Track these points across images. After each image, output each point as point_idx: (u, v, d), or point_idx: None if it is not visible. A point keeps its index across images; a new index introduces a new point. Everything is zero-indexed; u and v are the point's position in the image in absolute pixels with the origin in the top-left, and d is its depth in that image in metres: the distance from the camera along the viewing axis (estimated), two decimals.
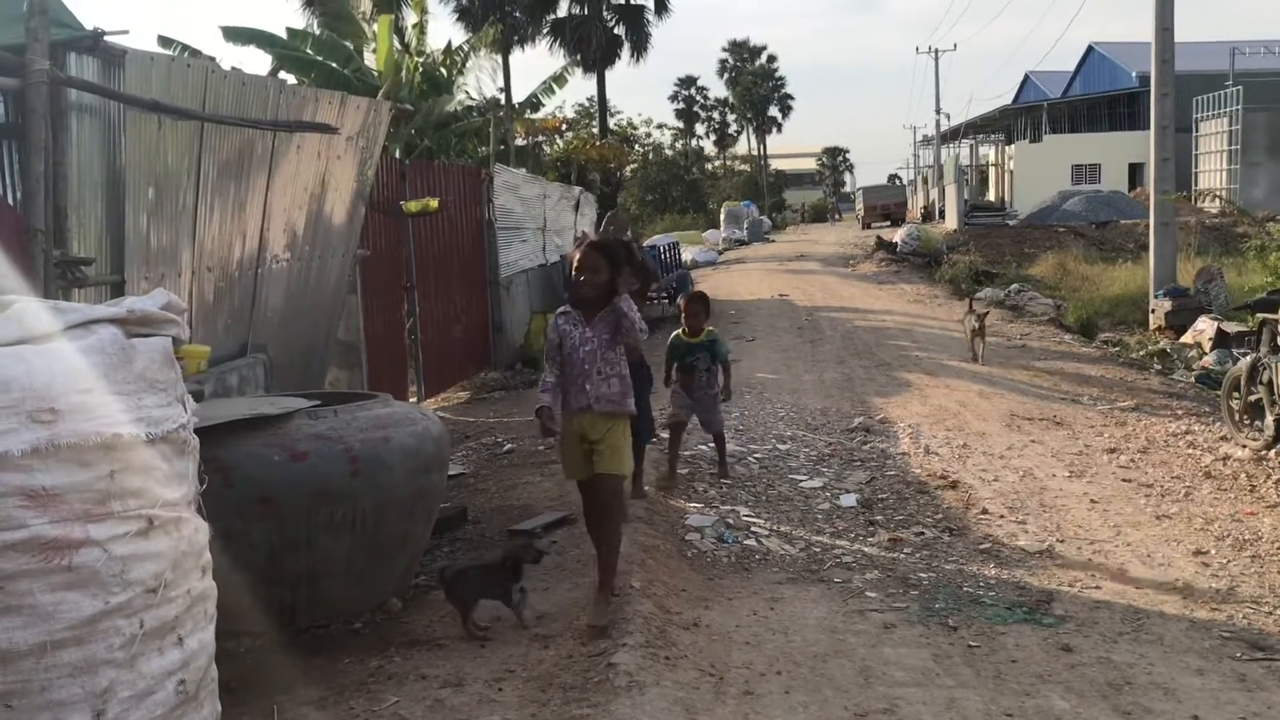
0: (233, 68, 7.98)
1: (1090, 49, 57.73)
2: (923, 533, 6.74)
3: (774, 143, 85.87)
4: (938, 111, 59.94)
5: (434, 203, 10.01)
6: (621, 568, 5.62)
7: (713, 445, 8.37)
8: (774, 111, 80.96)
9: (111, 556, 2.80)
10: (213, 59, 7.04)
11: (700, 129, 79.85)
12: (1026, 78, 65.92)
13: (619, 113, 51.27)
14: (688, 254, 27.12)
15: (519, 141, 20.48)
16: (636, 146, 52.86)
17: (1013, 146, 53.98)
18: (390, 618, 5.21)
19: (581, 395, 5.11)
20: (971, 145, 62.73)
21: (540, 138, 23.51)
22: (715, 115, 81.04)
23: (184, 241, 6.34)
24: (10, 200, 5.29)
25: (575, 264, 5.15)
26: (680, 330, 8.02)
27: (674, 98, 78.37)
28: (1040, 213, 36.74)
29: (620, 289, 5.07)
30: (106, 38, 5.42)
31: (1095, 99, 53.76)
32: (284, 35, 17.63)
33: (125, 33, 5.49)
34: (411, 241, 11.16)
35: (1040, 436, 9.19)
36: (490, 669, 4.51)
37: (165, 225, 6.14)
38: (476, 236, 13.77)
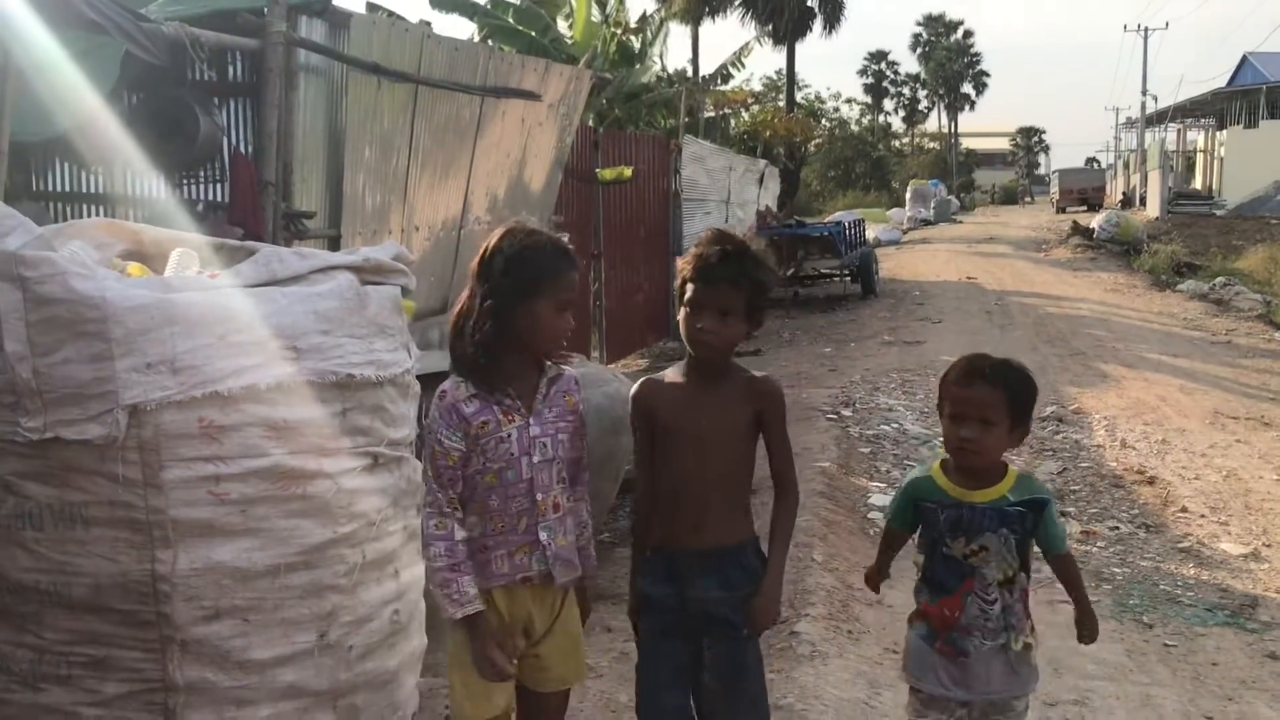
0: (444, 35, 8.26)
1: None
2: (1117, 527, 6.50)
3: (966, 121, 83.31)
4: (1144, 93, 56.88)
5: (628, 171, 10.15)
6: (802, 540, 5.64)
7: (895, 424, 8.24)
8: (967, 88, 78.52)
9: (340, 489, 2.97)
10: (427, 24, 7.29)
11: (889, 105, 78.18)
12: (1245, 59, 61.75)
13: (806, 86, 50.52)
14: (871, 232, 26.66)
15: (707, 114, 20.51)
16: (823, 121, 52.12)
17: (1225, 132, 50.78)
18: None
19: (523, 554, 2.81)
20: (1179, 130, 59.36)
21: (727, 110, 23.48)
22: (905, 91, 79.17)
23: (395, 201, 6.63)
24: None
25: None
26: (933, 463, 3.00)
27: (863, 72, 76.93)
28: (1252, 203, 34.59)
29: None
30: (334, 1, 5.71)
31: None
32: (485, 4, 18.10)
33: None
34: (600, 210, 11.35)
35: (1246, 436, 8.70)
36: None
37: (379, 185, 6.43)
38: (662, 207, 13.89)
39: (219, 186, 5.70)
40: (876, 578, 3.13)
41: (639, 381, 2.94)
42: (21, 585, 2.86)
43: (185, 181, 5.79)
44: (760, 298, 2.77)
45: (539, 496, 2.80)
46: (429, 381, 5.06)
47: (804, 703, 3.84)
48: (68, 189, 5.92)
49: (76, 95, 4.81)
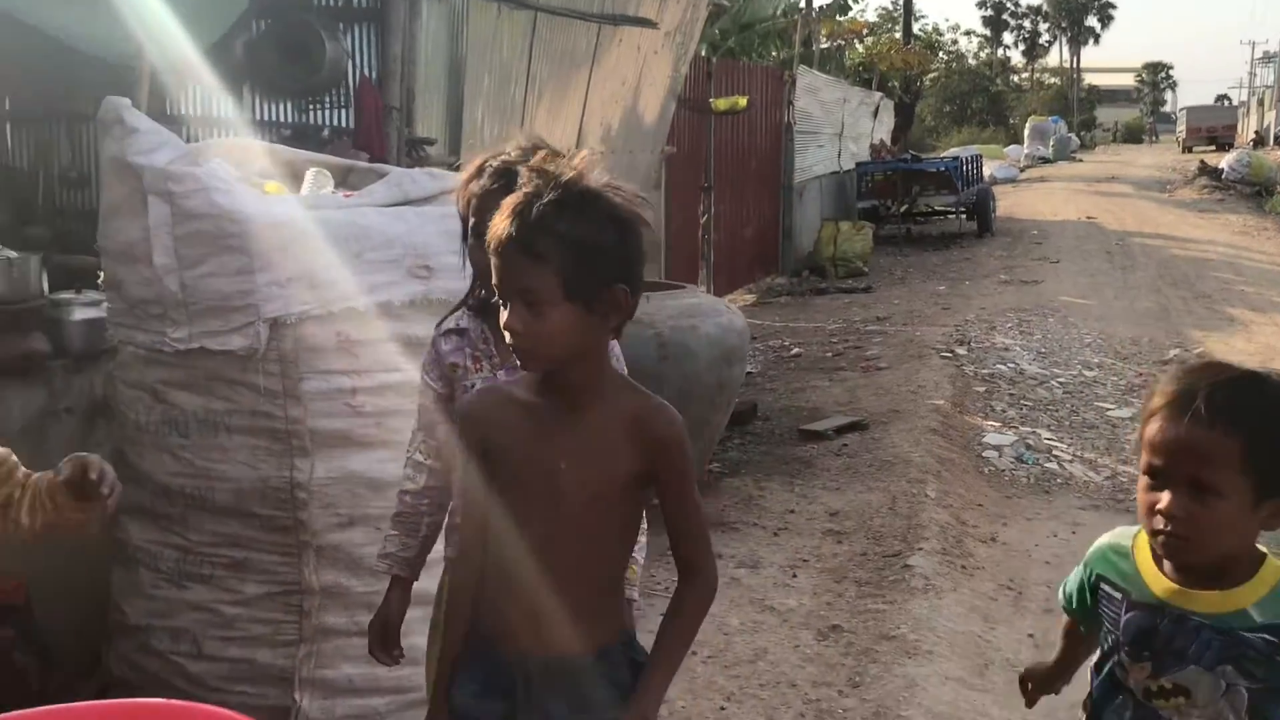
0: None
1: None
2: None
3: (1089, 55, 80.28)
4: None
5: (743, 101, 10.02)
6: (915, 476, 5.60)
7: (1011, 364, 8.07)
8: (1092, 21, 75.37)
9: None
10: None
11: (1008, 38, 75.48)
12: None
13: (923, 18, 49.05)
14: (987, 169, 25.93)
15: (822, 45, 20.08)
16: (940, 54, 50.63)
17: None
18: None
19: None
20: None
21: (841, 41, 22.94)
22: (1025, 24, 76.30)
23: (511, 130, 6.66)
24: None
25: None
26: (1127, 537, 1.76)
27: (982, 4, 74.25)
28: None
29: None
30: None
31: None
32: None
33: None
34: (712, 141, 11.24)
35: None
36: (784, 556, 4.63)
37: (496, 113, 6.46)
38: (774, 139, 13.69)
39: (343, 112, 5.79)
40: (1044, 681, 1.97)
41: (473, 391, 2.06)
42: (168, 489, 3.01)
43: (310, 107, 5.90)
44: (586, 264, 1.68)
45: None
46: None
47: (917, 633, 3.84)
48: (198, 113, 6.08)
49: (208, 19, 4.91)
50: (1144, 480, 1.63)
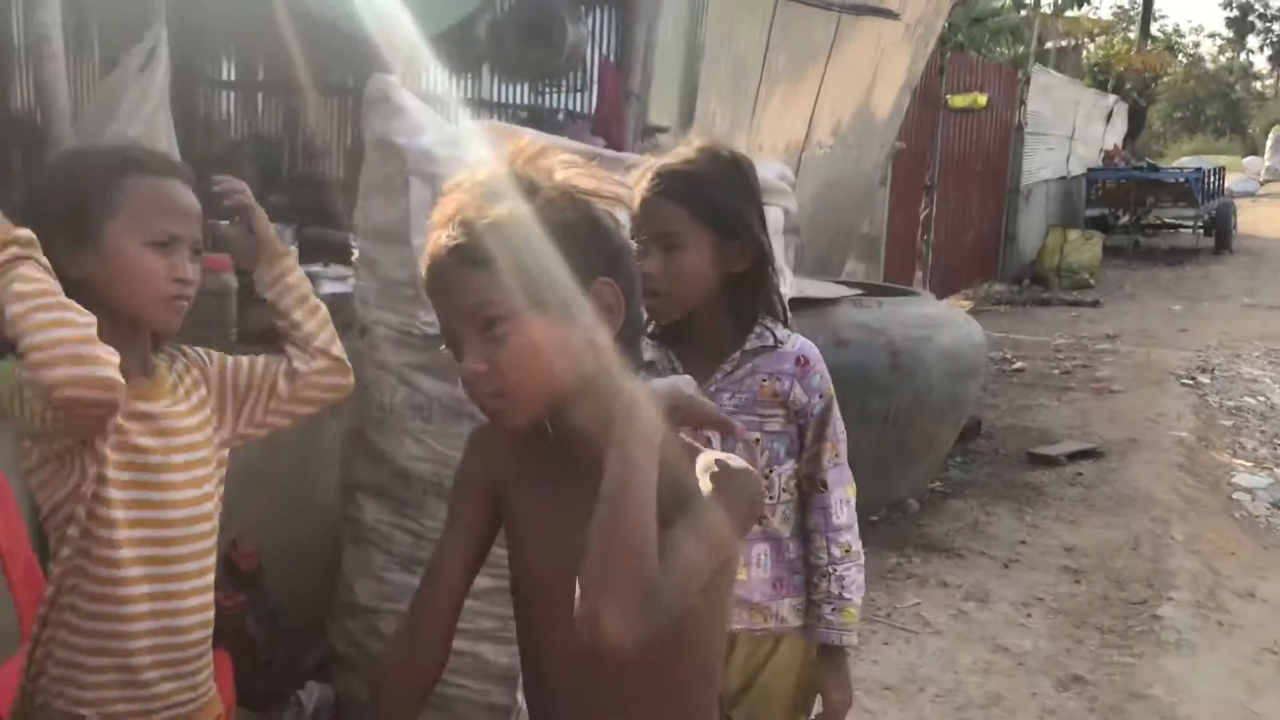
0: None
1: None
2: None
3: None
4: None
5: (983, 99, 9.58)
6: (1160, 515, 5.17)
7: (1261, 397, 7.42)
8: None
9: None
10: None
11: (1253, 42, 70.47)
12: None
13: (1162, 17, 46.34)
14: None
15: (1060, 43, 19.11)
16: (1179, 57, 47.73)
17: None
18: (906, 517, 5.15)
19: None
20: None
21: (1073, 41, 21.80)
22: (1275, 27, 71.07)
23: (742, 120, 6.49)
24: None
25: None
26: None
27: (1226, 4, 69.55)
28: None
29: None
30: None
31: None
32: None
33: None
34: (938, 138, 10.81)
35: None
36: (1016, 591, 4.32)
37: (728, 103, 6.30)
38: (1003, 139, 13.08)
39: (579, 96, 5.75)
40: None
41: (478, 428, 1.43)
42: (407, 473, 2.97)
43: (547, 89, 5.88)
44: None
45: None
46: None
47: (1173, 696, 3.49)
48: (434, 91, 6.15)
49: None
50: None
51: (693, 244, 1.82)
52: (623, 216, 1.40)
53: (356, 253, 3.10)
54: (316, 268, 3.69)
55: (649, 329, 1.90)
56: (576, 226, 1.26)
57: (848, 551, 1.93)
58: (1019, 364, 8.71)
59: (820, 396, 1.90)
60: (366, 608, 3.08)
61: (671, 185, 1.83)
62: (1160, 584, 4.35)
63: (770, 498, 1.89)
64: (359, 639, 3.12)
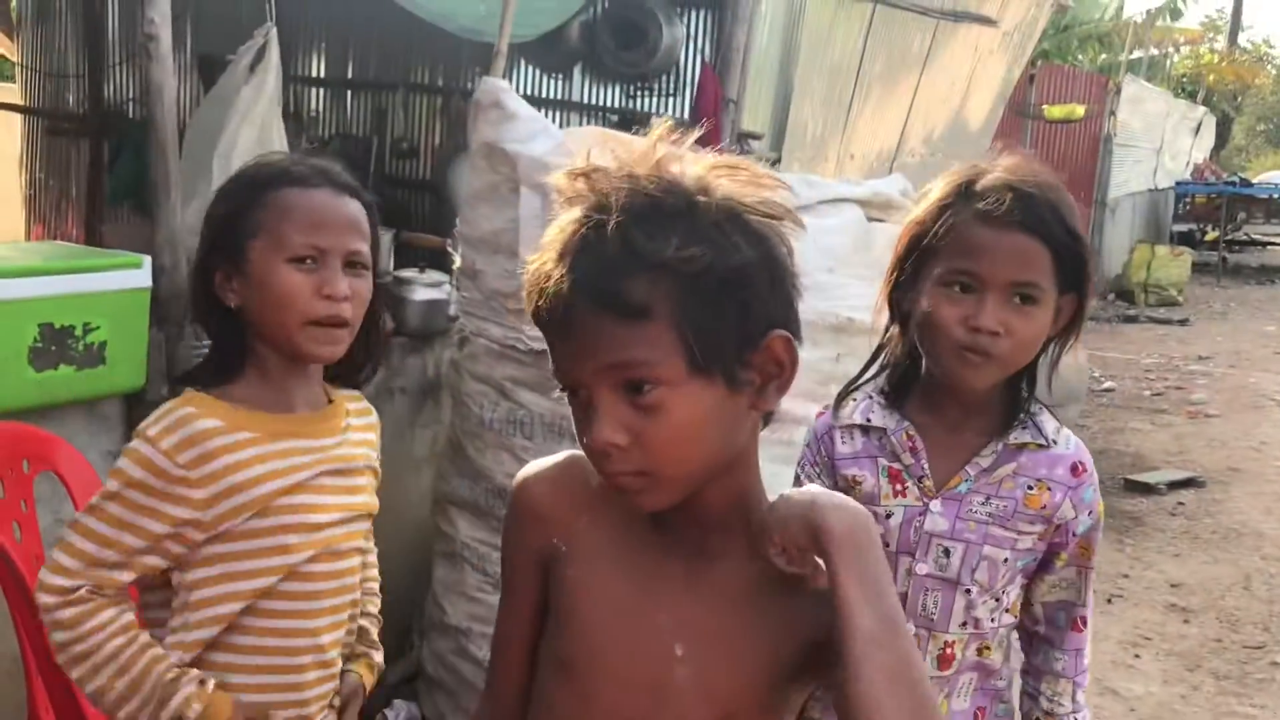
0: None
1: None
2: None
3: None
4: None
5: (1080, 110, 9.33)
6: (1270, 552, 4.93)
7: None
8: None
9: None
10: None
11: None
12: None
13: (1249, 27, 45.07)
14: None
15: (1151, 52, 18.61)
16: (1270, 68, 46.46)
17: None
18: None
19: None
20: None
21: (1165, 50, 21.22)
22: None
23: (834, 129, 6.34)
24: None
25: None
26: None
27: None
28: None
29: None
30: None
31: None
32: None
33: None
34: (1027, 148, 10.54)
35: None
36: (1122, 630, 4.12)
37: (821, 110, 6.16)
38: (1091, 150, 12.75)
39: (671, 100, 5.63)
40: None
41: (548, 466, 1.16)
42: (504, 490, 2.86)
43: (637, 92, 5.77)
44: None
45: (914, 632, 1.48)
46: None
47: None
48: (527, 93, 6.07)
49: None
50: None
51: (1047, 299, 1.40)
52: (793, 238, 1.06)
53: (458, 260, 3.01)
54: (411, 273, 3.61)
55: (877, 379, 1.56)
56: (754, 266, 0.97)
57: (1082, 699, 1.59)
58: (1108, 383, 8.44)
59: (1090, 514, 1.51)
60: (458, 628, 2.99)
61: (1037, 218, 1.39)
62: (1277, 628, 4.12)
63: (992, 620, 1.52)
64: (449, 660, 3.03)
